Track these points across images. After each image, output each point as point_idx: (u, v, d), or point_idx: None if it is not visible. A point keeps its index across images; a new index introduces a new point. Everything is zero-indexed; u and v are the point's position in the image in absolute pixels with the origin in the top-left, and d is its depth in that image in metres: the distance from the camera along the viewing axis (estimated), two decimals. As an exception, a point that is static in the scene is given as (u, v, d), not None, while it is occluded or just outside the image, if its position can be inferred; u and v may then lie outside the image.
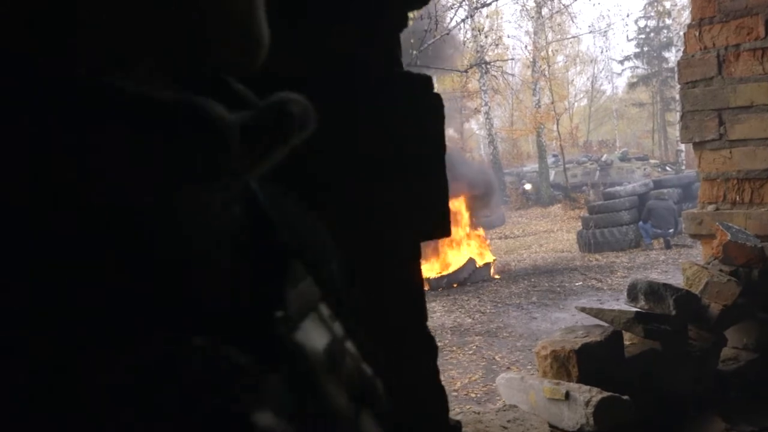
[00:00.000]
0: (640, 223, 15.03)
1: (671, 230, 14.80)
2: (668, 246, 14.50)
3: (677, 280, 10.07)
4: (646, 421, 1.90)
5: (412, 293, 1.00)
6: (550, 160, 27.40)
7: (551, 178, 26.99)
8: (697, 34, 2.66)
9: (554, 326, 9.00)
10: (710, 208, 2.70)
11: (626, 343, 2.05)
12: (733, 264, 2.41)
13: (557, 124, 26.18)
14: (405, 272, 0.98)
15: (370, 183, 0.93)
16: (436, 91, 1.00)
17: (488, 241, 14.76)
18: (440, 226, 1.02)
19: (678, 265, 12.87)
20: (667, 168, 24.29)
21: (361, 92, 0.91)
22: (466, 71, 14.74)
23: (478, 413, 1.74)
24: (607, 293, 10.79)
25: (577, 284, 11.66)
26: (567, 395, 1.75)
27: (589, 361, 1.83)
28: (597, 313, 2.03)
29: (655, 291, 2.09)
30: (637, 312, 1.98)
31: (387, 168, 0.94)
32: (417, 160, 0.98)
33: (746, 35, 2.54)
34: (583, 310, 2.10)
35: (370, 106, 0.92)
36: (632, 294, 2.14)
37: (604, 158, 25.92)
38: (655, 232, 14.75)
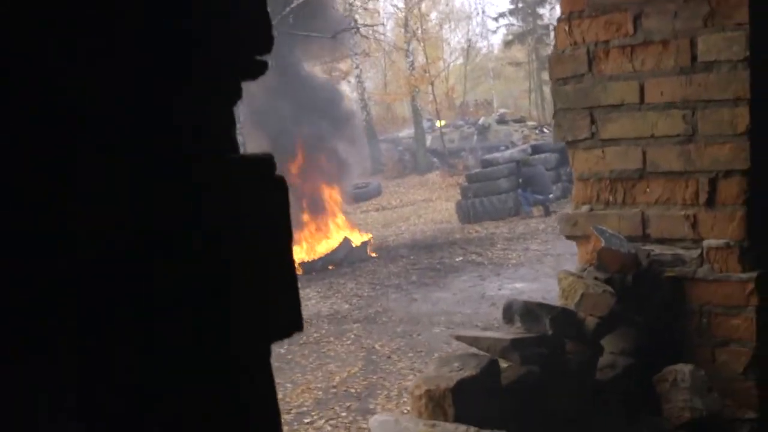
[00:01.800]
0: (519, 190, 15.65)
1: (551, 195, 15.51)
2: (548, 213, 15.20)
3: (557, 249, 10.60)
4: (526, 452, 1.96)
5: (265, 403, 0.95)
6: (425, 124, 27.86)
7: (428, 143, 27.50)
8: (567, 28, 2.73)
9: (435, 308, 9.23)
10: (584, 208, 2.80)
11: (503, 365, 2.10)
12: (608, 270, 2.51)
13: (432, 87, 26.59)
14: (251, 380, 0.93)
15: (211, 287, 0.86)
16: (278, 173, 0.95)
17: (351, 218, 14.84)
18: (292, 323, 0.97)
19: (557, 234, 13.51)
20: (545, 130, 25.38)
21: (187, 185, 0.84)
22: (334, 37, 14.61)
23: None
24: (488, 268, 11.18)
25: (457, 260, 12.00)
26: (444, 438, 1.76)
27: (465, 398, 1.85)
28: (472, 341, 2.05)
29: (530, 311, 2.15)
30: (512, 339, 2.02)
31: (228, 268, 0.88)
32: (260, 258, 0.92)
33: (615, 31, 2.63)
34: (458, 338, 2.13)
35: (198, 200, 0.85)
36: (508, 316, 2.18)
37: (481, 121, 26.69)
38: (535, 198, 15.41)
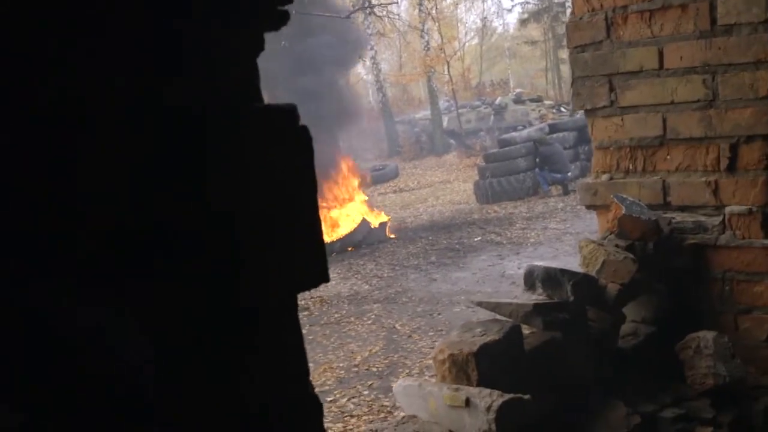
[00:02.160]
0: (537, 170, 15.57)
1: (569, 174, 15.43)
2: (566, 192, 15.12)
3: (576, 228, 10.54)
4: (550, 416, 1.97)
5: (288, 352, 0.96)
6: (442, 105, 27.75)
7: (445, 124, 27.42)
8: (585, -6, 2.71)
9: (455, 287, 9.24)
10: (604, 177, 2.80)
11: (525, 332, 2.11)
12: (629, 238, 2.51)
13: (448, 67, 26.47)
14: (278, 331, 0.94)
15: (230, 240, 0.87)
16: (302, 123, 0.96)
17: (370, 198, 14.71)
18: (318, 274, 0.98)
19: (577, 212, 13.46)
20: (562, 109, 25.19)
21: (208, 135, 0.85)
22: (348, 17, 14.56)
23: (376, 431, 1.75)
24: (507, 247, 11.17)
25: (476, 239, 12.00)
26: (467, 401, 1.78)
27: (488, 363, 1.86)
28: (494, 307, 2.06)
29: (552, 277, 2.15)
30: (534, 304, 2.03)
31: (248, 221, 0.89)
32: (285, 207, 0.93)
33: (633, -4, 2.61)
34: (479, 304, 2.14)
35: (219, 151, 0.87)
36: (529, 282, 2.19)
37: (498, 101, 26.55)
38: (554, 178, 15.33)
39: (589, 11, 2.70)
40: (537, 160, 15.69)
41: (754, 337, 2.61)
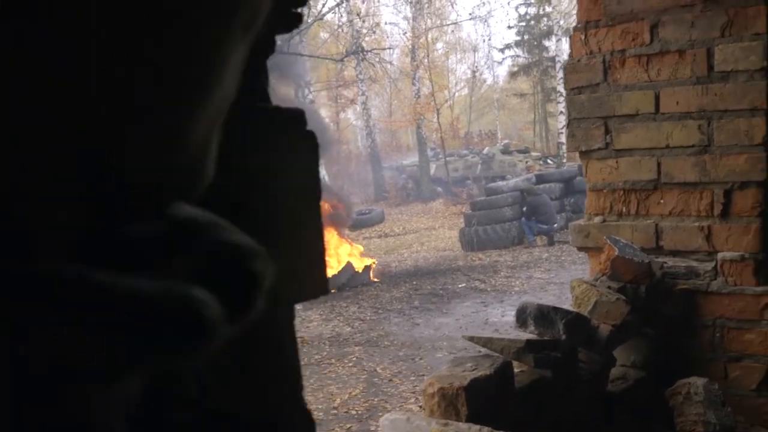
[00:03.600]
0: (523, 219, 15.63)
1: (555, 225, 15.48)
2: (551, 242, 15.16)
3: (560, 278, 10.49)
4: (538, 456, 1.93)
5: (285, 366, 0.92)
6: (430, 153, 27.93)
7: (432, 171, 27.56)
8: (583, 37, 2.74)
9: (437, 333, 9.16)
10: (597, 219, 2.79)
11: (516, 371, 2.07)
12: (621, 280, 2.49)
13: (438, 116, 26.72)
14: (274, 347, 0.91)
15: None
16: (309, 128, 0.94)
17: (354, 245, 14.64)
18: (318, 286, 0.95)
19: (561, 263, 13.48)
20: (549, 161, 25.43)
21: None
22: (342, 60, 14.70)
23: (361, 463, 1.70)
24: (491, 294, 11.12)
25: (460, 286, 11.94)
26: (456, 437, 1.73)
27: (478, 398, 1.82)
28: (486, 342, 2.03)
29: (544, 315, 2.12)
30: (527, 341, 1.99)
31: (249, 224, 0.86)
32: (287, 214, 0.90)
33: (632, 41, 2.64)
34: (471, 339, 2.10)
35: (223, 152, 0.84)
36: (521, 319, 2.16)
37: (485, 151, 26.76)
38: (540, 228, 15.38)
39: (587, 54, 2.73)
40: (524, 209, 15.75)
41: (744, 386, 2.58)
